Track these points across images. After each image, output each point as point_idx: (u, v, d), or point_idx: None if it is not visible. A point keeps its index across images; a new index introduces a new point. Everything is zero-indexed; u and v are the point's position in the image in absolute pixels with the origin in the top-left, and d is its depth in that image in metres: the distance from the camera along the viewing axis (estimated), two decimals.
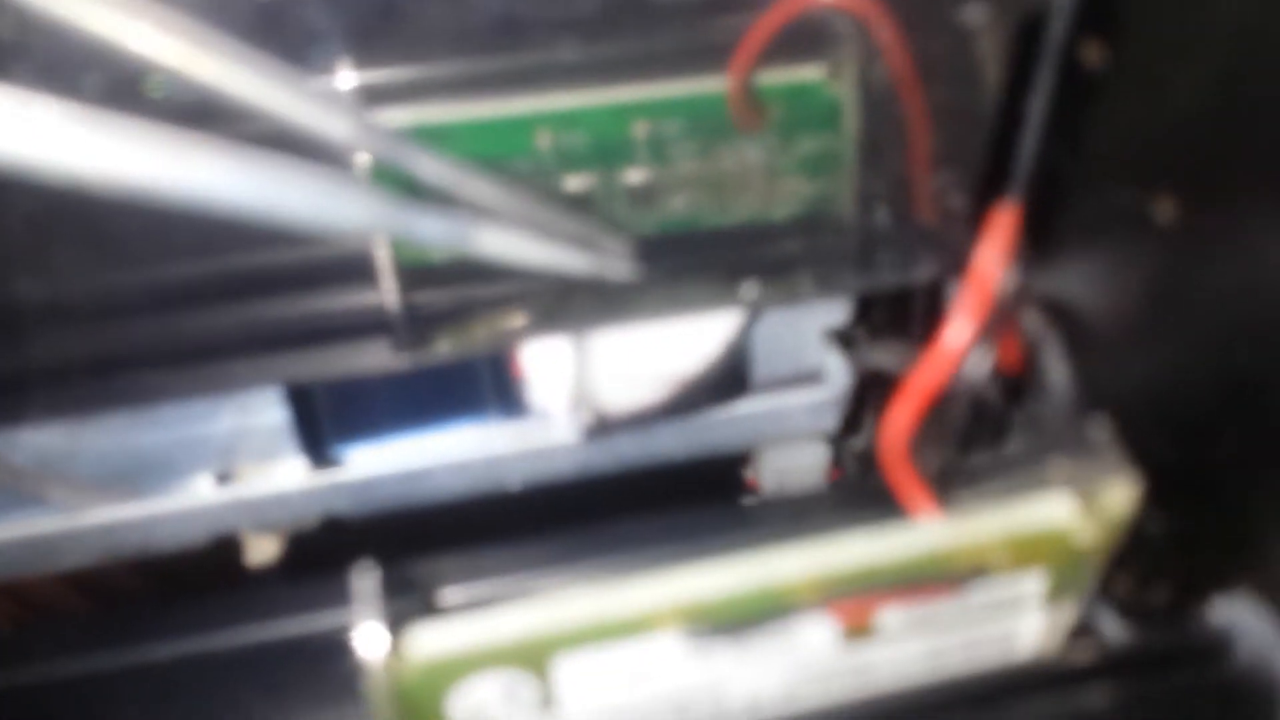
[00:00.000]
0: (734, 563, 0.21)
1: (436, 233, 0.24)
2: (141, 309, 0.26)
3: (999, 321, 0.23)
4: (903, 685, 0.24)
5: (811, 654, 0.23)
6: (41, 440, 0.30)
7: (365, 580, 0.21)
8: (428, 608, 0.22)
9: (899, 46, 0.26)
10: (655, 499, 0.33)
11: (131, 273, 0.26)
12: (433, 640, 0.20)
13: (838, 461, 0.38)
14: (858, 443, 0.37)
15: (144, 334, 0.27)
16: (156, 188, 0.19)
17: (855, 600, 0.22)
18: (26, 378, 0.26)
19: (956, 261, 0.28)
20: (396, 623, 0.20)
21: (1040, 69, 0.24)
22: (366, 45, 0.24)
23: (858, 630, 0.23)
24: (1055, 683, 0.24)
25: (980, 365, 0.23)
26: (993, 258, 0.22)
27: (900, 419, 0.22)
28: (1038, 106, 0.25)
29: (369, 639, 0.20)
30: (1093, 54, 0.23)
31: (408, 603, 0.21)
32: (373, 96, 0.24)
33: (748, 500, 0.37)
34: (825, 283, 0.29)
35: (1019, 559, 0.23)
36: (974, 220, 0.26)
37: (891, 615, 0.23)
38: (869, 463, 0.37)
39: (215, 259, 0.26)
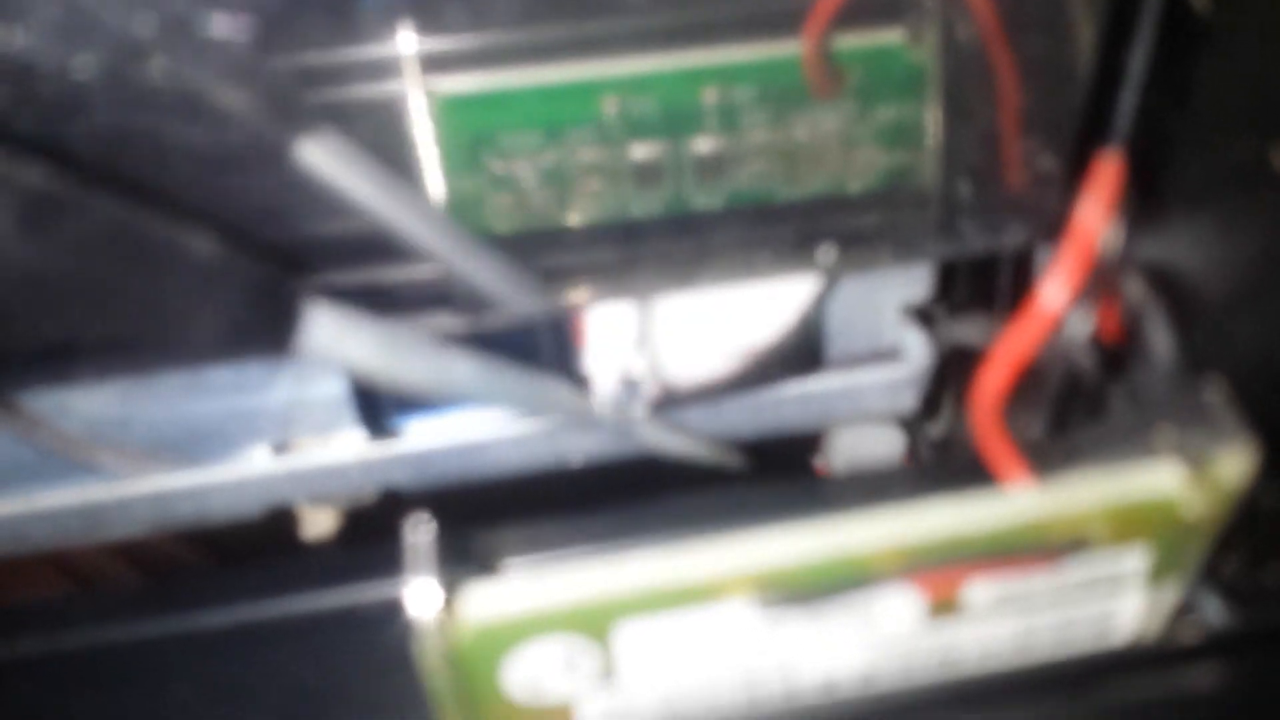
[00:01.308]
0: (811, 528, 0.20)
1: None
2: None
3: (1101, 283, 0.21)
4: (989, 668, 0.22)
5: (892, 630, 0.21)
6: (94, 407, 0.30)
7: (419, 534, 0.19)
8: (485, 569, 0.21)
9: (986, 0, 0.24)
10: (720, 481, 0.32)
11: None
12: (490, 601, 0.19)
13: (913, 449, 0.36)
14: (935, 429, 0.35)
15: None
16: None
17: (941, 572, 0.20)
18: (76, 339, 0.26)
19: (1048, 227, 0.26)
20: (451, 581, 0.19)
21: (1142, 16, 0.23)
22: (429, 9, 0.23)
23: (943, 606, 0.21)
24: (1154, 669, 0.22)
25: (1080, 328, 0.22)
26: (1095, 212, 0.21)
27: (994, 381, 0.20)
28: (1139, 57, 0.23)
29: (422, 596, 0.19)
30: None
31: (464, 562, 0.20)
32: (435, 63, 0.24)
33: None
34: (906, 251, 0.28)
35: (1120, 532, 0.21)
36: (1068, 183, 0.25)
37: (980, 590, 0.21)
38: (947, 451, 0.36)
39: (273, 227, 0.25)
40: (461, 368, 0.24)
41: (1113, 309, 0.24)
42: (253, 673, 0.26)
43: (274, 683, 0.25)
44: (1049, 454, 0.21)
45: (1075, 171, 0.24)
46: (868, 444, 0.36)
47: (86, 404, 0.30)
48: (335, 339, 0.21)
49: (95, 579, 0.33)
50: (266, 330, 0.21)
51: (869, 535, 0.20)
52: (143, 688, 0.26)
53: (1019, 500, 0.20)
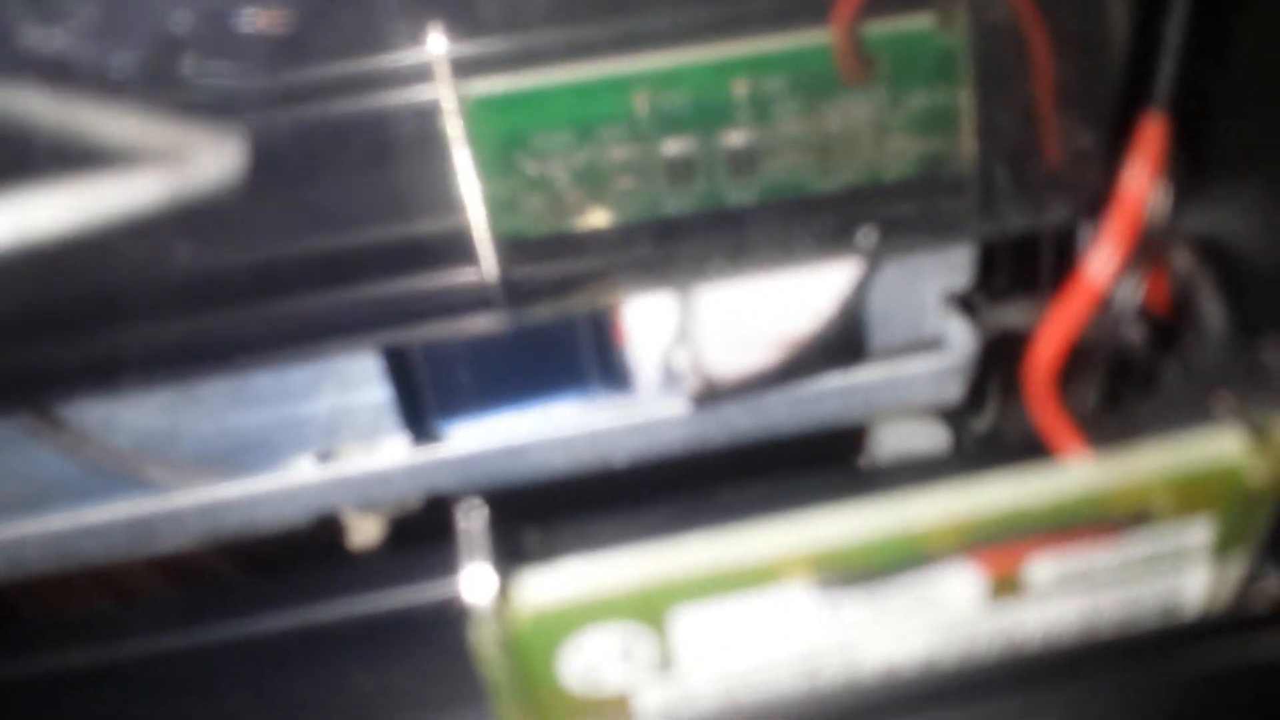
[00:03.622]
0: (869, 506, 0.19)
1: None
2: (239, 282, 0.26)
3: (1148, 251, 0.21)
4: (1053, 646, 0.22)
5: (954, 609, 0.21)
6: (141, 421, 0.30)
7: (472, 520, 0.19)
8: (539, 556, 0.21)
9: None
10: (765, 476, 0.32)
11: (229, 248, 0.25)
12: (546, 587, 0.19)
13: (958, 444, 0.36)
14: (981, 422, 0.35)
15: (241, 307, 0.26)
16: None
17: (1002, 548, 0.20)
18: (124, 348, 0.26)
19: (1090, 203, 0.26)
20: (506, 567, 0.19)
21: None
22: (458, 11, 0.23)
23: (1005, 583, 0.21)
24: (1224, 640, 0.21)
25: (1128, 298, 0.21)
26: (1141, 176, 0.21)
27: (1045, 354, 0.20)
28: (1177, 23, 0.23)
29: (477, 583, 0.19)
30: None
31: (518, 547, 0.20)
32: (466, 65, 0.24)
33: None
34: (945, 233, 0.28)
35: (1183, 503, 0.20)
36: (1108, 158, 0.24)
37: (1042, 567, 0.21)
38: (994, 444, 0.35)
39: (314, 235, 0.25)
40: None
41: (1161, 278, 0.23)
42: (306, 680, 0.25)
43: (328, 689, 0.25)
44: (1105, 427, 0.21)
45: (1115, 145, 0.24)
46: (912, 441, 0.36)
47: (133, 418, 0.30)
48: None
49: (135, 594, 0.32)
50: None
51: (927, 511, 0.19)
52: (194, 698, 0.26)
53: (1078, 472, 0.20)
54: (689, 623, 0.20)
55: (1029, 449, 0.30)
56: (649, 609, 0.20)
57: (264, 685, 0.26)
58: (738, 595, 0.20)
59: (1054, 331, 0.20)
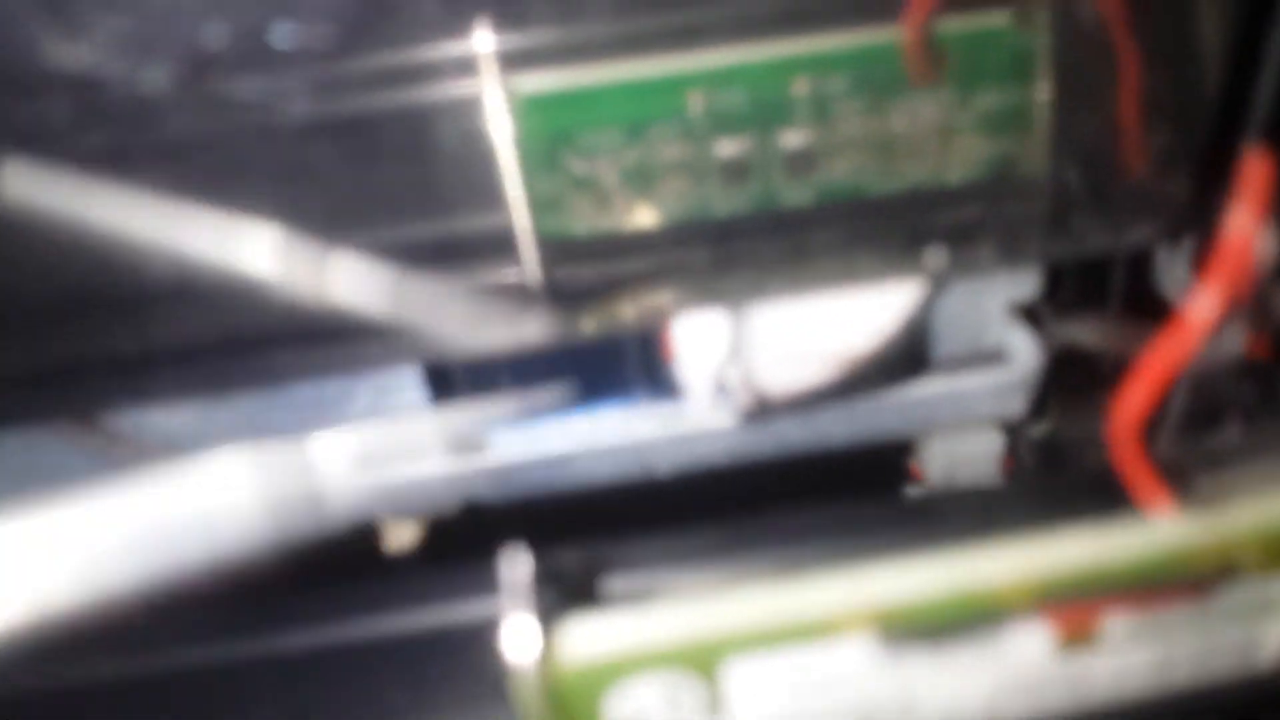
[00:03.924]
0: (937, 560, 0.18)
1: None
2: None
3: (1253, 294, 0.19)
4: (1122, 698, 0.21)
5: (1020, 665, 0.20)
6: (173, 423, 0.29)
7: (515, 569, 0.18)
8: (582, 600, 0.20)
9: None
10: (810, 487, 0.31)
11: None
12: (590, 638, 0.18)
13: (1013, 451, 0.34)
14: (1038, 430, 0.34)
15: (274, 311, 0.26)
16: None
17: (1078, 606, 0.19)
18: (155, 356, 0.26)
19: (1173, 226, 0.24)
20: (549, 617, 0.18)
21: None
22: (506, 5, 0.22)
23: (1077, 639, 0.19)
24: None
25: (1230, 345, 0.20)
26: (1247, 217, 0.19)
27: (1135, 400, 0.19)
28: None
29: (519, 635, 0.18)
30: None
31: (560, 595, 0.19)
32: (513, 60, 0.23)
33: (920, 491, 0.34)
34: (1015, 251, 0.26)
35: (1274, 558, 0.19)
36: (1199, 177, 0.23)
37: (1117, 622, 0.19)
38: (1049, 453, 0.34)
39: (347, 233, 0.24)
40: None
41: (1264, 320, 0.22)
42: (339, 698, 0.25)
43: (361, 708, 0.25)
44: (1192, 477, 0.20)
45: (1208, 165, 0.23)
46: (965, 446, 0.34)
47: (164, 420, 0.29)
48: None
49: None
50: None
51: (1001, 568, 0.18)
52: (224, 713, 0.25)
53: (1163, 528, 0.19)
54: (741, 674, 0.19)
55: (1089, 469, 0.29)
56: (700, 660, 0.19)
57: (295, 702, 0.25)
58: (793, 648, 0.19)
59: (1145, 380, 0.18)
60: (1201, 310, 0.18)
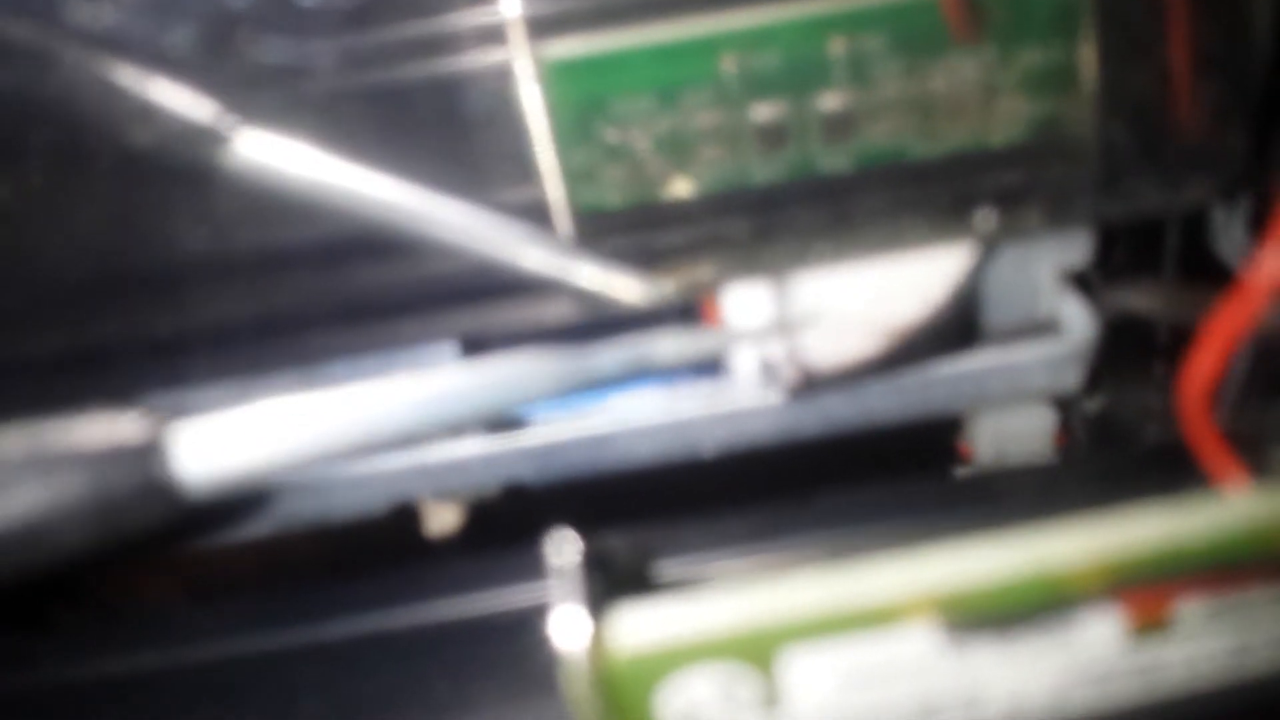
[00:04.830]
0: (1000, 542, 0.17)
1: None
2: (309, 265, 0.25)
3: None
4: (1197, 688, 0.20)
5: (1090, 652, 0.19)
6: (210, 405, 0.29)
7: (563, 555, 0.18)
8: (633, 587, 0.19)
9: None
10: (857, 465, 0.30)
11: (297, 228, 0.24)
12: (642, 627, 0.17)
13: (1066, 425, 0.33)
14: (1092, 405, 0.33)
15: (312, 290, 0.25)
16: None
17: (1151, 589, 0.18)
18: (191, 338, 0.25)
19: (1231, 182, 0.23)
20: (599, 604, 0.18)
21: None
22: None
23: (1150, 624, 0.19)
24: None
25: None
26: None
27: (1203, 369, 0.18)
28: None
29: (568, 625, 0.17)
30: None
31: (610, 581, 0.18)
32: (542, 26, 0.22)
33: (973, 470, 0.33)
34: (1064, 214, 0.25)
35: None
36: (1255, 131, 0.22)
37: (1192, 605, 0.19)
38: (1104, 428, 0.33)
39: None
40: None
41: None
42: (381, 686, 0.24)
43: (404, 697, 0.24)
44: (1265, 449, 0.19)
45: (1265, 118, 0.22)
46: (1016, 421, 0.33)
47: (201, 399, 0.29)
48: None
49: (220, 577, 0.32)
50: None
51: (1070, 550, 0.17)
52: (265, 701, 0.25)
53: (1239, 503, 0.18)
54: (799, 664, 0.18)
55: (1147, 444, 0.28)
56: (756, 650, 0.18)
57: (339, 691, 0.25)
58: (853, 637, 0.18)
59: (1212, 347, 0.17)
60: (1269, 267, 0.17)
